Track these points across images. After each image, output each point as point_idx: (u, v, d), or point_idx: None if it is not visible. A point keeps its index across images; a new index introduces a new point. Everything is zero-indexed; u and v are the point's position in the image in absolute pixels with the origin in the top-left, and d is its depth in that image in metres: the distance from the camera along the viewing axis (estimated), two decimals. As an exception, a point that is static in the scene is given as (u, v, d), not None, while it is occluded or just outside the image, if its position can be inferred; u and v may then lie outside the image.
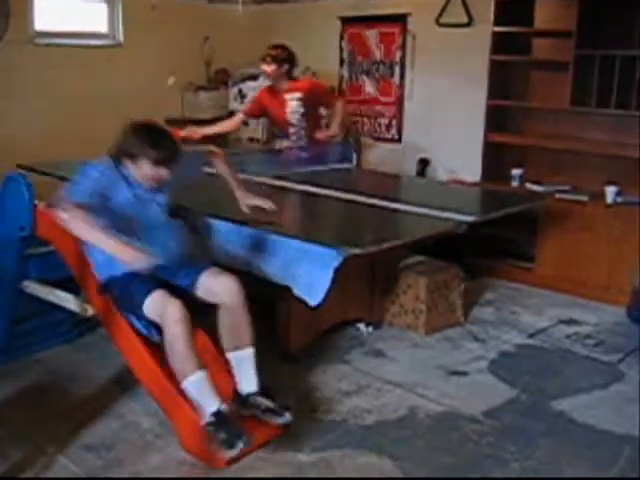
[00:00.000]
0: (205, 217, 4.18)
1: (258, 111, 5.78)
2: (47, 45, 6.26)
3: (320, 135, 5.56)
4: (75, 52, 6.52)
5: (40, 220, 3.70)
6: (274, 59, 5.48)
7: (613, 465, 3.15)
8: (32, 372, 3.88)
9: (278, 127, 5.83)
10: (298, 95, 5.47)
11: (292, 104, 5.50)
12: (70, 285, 3.77)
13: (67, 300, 3.76)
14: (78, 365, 4.01)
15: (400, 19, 6.63)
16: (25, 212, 3.69)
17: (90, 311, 3.54)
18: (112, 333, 3.39)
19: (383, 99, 6.91)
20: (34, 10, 6.24)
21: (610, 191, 5.12)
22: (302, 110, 5.49)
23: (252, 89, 7.23)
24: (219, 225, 3.97)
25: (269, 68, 5.49)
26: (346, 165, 5.50)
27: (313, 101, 5.53)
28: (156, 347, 3.29)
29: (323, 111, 5.92)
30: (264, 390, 3.23)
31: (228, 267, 4.03)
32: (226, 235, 4.00)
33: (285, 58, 5.50)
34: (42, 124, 6.02)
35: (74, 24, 6.67)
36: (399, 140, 6.84)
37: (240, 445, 2.89)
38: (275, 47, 5.56)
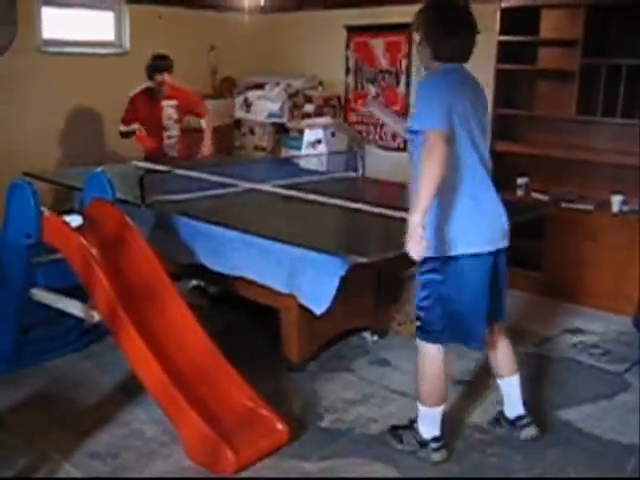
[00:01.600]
0: (174, 216, 4.24)
1: (134, 118, 5.94)
2: (54, 53, 6.29)
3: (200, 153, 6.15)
4: (82, 60, 6.54)
5: (46, 227, 3.71)
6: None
7: (619, 475, 3.14)
8: (38, 380, 3.89)
9: (150, 131, 5.94)
10: (174, 103, 6.01)
11: (168, 111, 6.00)
12: (78, 293, 3.78)
13: (73, 306, 3.77)
14: (84, 373, 4.01)
15: (406, 28, 6.63)
16: (31, 219, 3.71)
17: (96, 317, 3.55)
18: (119, 340, 3.39)
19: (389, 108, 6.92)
20: (41, 18, 6.27)
21: (616, 200, 5.11)
22: (176, 117, 6.05)
23: (258, 98, 7.26)
24: (226, 233, 3.98)
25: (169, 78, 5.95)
26: (351, 174, 5.51)
27: (186, 110, 6.15)
28: (163, 353, 3.30)
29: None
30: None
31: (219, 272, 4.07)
32: (232, 243, 4.01)
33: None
34: (48, 132, 6.04)
35: (81, 33, 6.70)
36: (405, 149, 6.83)
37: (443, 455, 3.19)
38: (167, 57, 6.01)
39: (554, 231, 5.32)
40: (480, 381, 4.03)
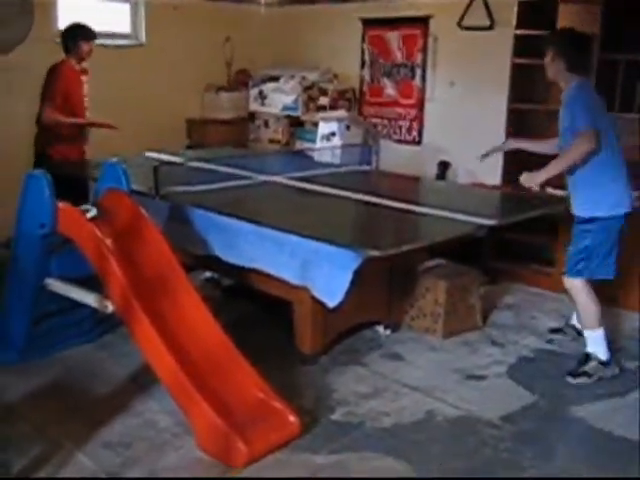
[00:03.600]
0: (188, 207, 4.25)
1: (65, 99, 5.19)
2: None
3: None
4: (97, 52, 6.53)
5: (61, 217, 3.73)
6: None
7: (631, 472, 3.13)
8: (52, 369, 3.91)
9: (71, 109, 5.23)
10: (86, 78, 5.41)
11: (85, 87, 5.39)
12: (92, 283, 3.80)
13: (87, 297, 3.79)
14: (97, 363, 4.03)
15: (422, 21, 6.61)
16: (46, 209, 3.72)
17: (110, 307, 3.56)
18: (132, 330, 3.40)
19: (404, 101, 6.89)
20: (57, 9, 6.28)
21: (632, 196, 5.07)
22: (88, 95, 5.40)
23: (273, 90, 7.25)
24: (240, 225, 3.98)
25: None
26: (366, 167, 5.50)
27: None
28: (176, 344, 3.31)
29: None
30: None
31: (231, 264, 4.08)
32: (246, 235, 4.01)
33: None
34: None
35: (97, 24, 6.70)
36: (419, 142, 6.82)
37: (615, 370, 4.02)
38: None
39: (569, 227, 5.27)
40: (492, 376, 4.02)
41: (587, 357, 4.00)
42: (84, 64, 5.36)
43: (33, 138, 5.22)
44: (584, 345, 4.07)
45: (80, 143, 5.40)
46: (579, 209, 4.04)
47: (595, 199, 3.95)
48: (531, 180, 3.99)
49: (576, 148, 3.80)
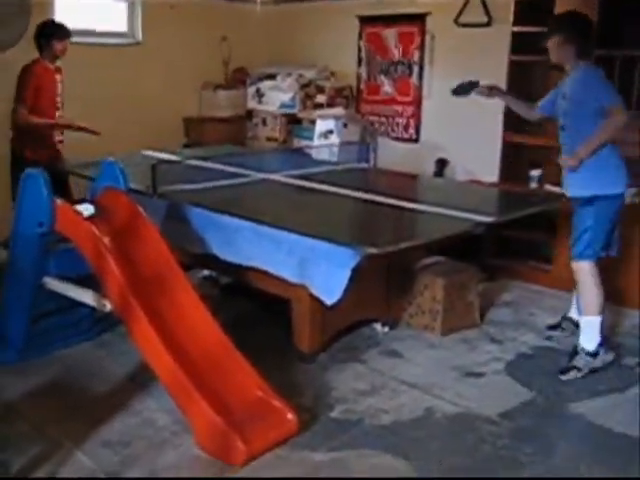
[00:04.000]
0: (186, 206, 4.25)
1: (37, 98, 5.11)
2: (67, 43, 6.29)
3: None
4: (94, 51, 6.54)
5: (59, 216, 3.72)
6: None
7: (630, 469, 3.13)
8: (50, 369, 3.91)
9: (42, 108, 5.15)
10: (60, 77, 5.34)
11: (59, 86, 5.32)
12: (90, 282, 3.80)
13: (85, 295, 3.79)
14: (96, 362, 4.03)
15: (419, 19, 6.60)
16: (44, 208, 3.72)
17: (108, 306, 3.57)
18: (130, 328, 3.40)
19: (401, 99, 6.89)
20: (55, 8, 6.27)
21: (629, 192, 5.07)
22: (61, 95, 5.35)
23: (270, 88, 7.25)
24: (238, 223, 3.98)
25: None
26: (363, 165, 5.50)
27: None
28: (174, 343, 3.31)
29: None
30: None
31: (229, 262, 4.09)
32: (243, 233, 4.01)
33: None
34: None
35: (94, 23, 6.70)
36: (417, 140, 6.82)
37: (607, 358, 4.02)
38: None
39: (567, 224, 5.28)
40: (491, 373, 4.03)
41: (575, 351, 4.02)
42: (58, 63, 5.32)
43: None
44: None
45: (53, 143, 5.33)
46: (580, 189, 4.03)
47: (598, 177, 3.97)
48: (573, 162, 3.97)
49: (613, 123, 3.82)
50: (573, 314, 4.42)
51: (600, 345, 3.99)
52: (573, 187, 4.09)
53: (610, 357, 4.04)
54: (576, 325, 4.29)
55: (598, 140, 3.90)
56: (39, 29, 5.24)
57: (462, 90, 4.53)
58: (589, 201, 3.99)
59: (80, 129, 5.28)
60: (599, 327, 3.99)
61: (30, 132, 5.12)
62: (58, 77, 5.31)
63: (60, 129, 5.35)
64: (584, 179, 4.00)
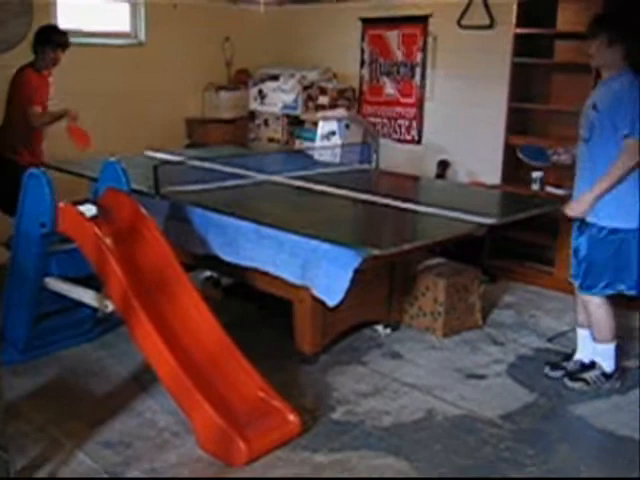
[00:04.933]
0: (188, 207, 4.25)
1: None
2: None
3: None
4: (97, 51, 6.55)
5: (61, 216, 3.73)
6: None
7: (632, 471, 3.13)
8: (52, 369, 3.91)
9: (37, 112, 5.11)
10: (51, 80, 5.29)
11: (51, 90, 5.29)
12: (92, 282, 3.81)
13: (87, 296, 3.80)
14: (98, 362, 4.03)
15: (421, 20, 6.61)
16: (46, 209, 3.72)
17: (110, 307, 3.57)
18: (132, 329, 3.40)
19: (403, 100, 6.89)
20: (57, 9, 6.28)
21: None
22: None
23: (272, 89, 7.25)
24: (240, 224, 3.98)
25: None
26: (366, 166, 5.50)
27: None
28: (175, 344, 3.31)
29: None
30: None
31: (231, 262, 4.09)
32: (246, 235, 4.01)
33: None
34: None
35: (97, 23, 6.71)
36: (419, 142, 6.82)
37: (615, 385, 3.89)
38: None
39: (568, 226, 5.27)
40: (492, 375, 4.03)
41: (592, 365, 3.91)
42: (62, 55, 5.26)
43: None
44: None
45: (39, 146, 5.30)
46: (605, 218, 3.69)
47: (624, 209, 3.65)
48: (581, 206, 3.71)
49: (623, 164, 3.55)
50: (580, 355, 4.04)
51: (616, 370, 3.89)
52: (597, 213, 3.73)
53: (617, 385, 3.89)
54: (584, 367, 3.98)
55: (608, 182, 3.60)
56: (37, 33, 5.21)
57: (532, 155, 4.37)
58: (612, 232, 3.70)
59: (75, 132, 5.24)
60: (614, 352, 3.87)
61: (21, 136, 5.11)
62: (50, 80, 5.30)
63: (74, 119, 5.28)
64: (612, 208, 3.66)
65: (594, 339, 3.89)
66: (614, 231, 3.69)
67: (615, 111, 3.58)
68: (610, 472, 3.12)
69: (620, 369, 3.93)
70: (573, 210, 3.77)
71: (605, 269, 3.74)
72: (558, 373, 4.00)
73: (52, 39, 5.14)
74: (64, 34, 5.23)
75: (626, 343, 4.49)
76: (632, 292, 3.77)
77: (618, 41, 3.59)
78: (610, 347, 3.86)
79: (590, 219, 3.75)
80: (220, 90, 7.44)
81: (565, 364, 4.07)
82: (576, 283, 3.89)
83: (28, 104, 5.02)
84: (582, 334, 4.01)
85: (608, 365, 3.87)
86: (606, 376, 3.86)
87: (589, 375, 3.87)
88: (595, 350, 3.91)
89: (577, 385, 3.86)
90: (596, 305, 3.81)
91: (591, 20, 3.76)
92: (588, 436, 3.44)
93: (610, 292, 3.78)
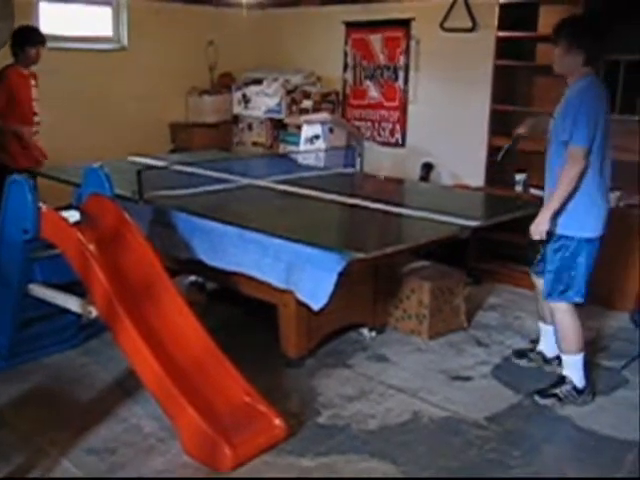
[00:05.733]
0: (172, 211, 4.24)
1: (6, 103, 5.19)
2: (51, 49, 6.25)
3: None
4: (80, 56, 6.53)
5: (44, 222, 3.71)
6: None
7: (616, 470, 3.15)
8: (36, 376, 3.88)
9: (18, 114, 5.24)
10: (35, 82, 5.40)
11: (34, 90, 5.38)
12: (75, 289, 3.79)
13: (71, 302, 3.78)
14: (82, 369, 4.01)
15: (404, 24, 6.64)
16: (29, 214, 3.70)
17: (94, 313, 3.55)
18: (116, 335, 3.39)
19: (387, 104, 6.91)
20: (39, 14, 6.26)
21: (614, 196, 5.11)
22: (37, 99, 5.42)
23: (256, 93, 7.26)
24: (224, 229, 3.98)
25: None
26: (350, 170, 5.50)
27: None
28: (160, 349, 3.30)
29: None
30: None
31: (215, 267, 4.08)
32: (230, 239, 4.01)
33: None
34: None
35: (79, 28, 6.69)
36: (403, 144, 6.84)
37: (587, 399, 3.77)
38: None
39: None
40: (478, 376, 4.04)
41: (562, 380, 3.77)
42: (32, 68, 5.37)
43: None
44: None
45: (29, 150, 5.34)
46: (560, 227, 3.67)
47: (576, 218, 3.61)
48: (539, 227, 3.61)
49: (567, 176, 3.48)
50: (542, 348, 4.15)
51: (587, 385, 3.77)
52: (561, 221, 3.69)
53: (589, 399, 3.76)
54: (545, 360, 4.11)
55: (559, 198, 3.54)
56: (13, 34, 5.30)
57: (508, 155, 4.35)
58: (558, 239, 3.70)
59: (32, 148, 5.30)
60: (582, 364, 3.76)
61: (10, 139, 5.16)
62: (33, 82, 5.35)
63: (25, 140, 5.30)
64: (563, 213, 3.63)
65: (561, 351, 3.82)
66: (567, 238, 3.65)
67: (563, 118, 3.56)
68: (595, 472, 3.13)
69: (590, 384, 3.81)
70: (534, 233, 3.66)
71: (562, 276, 3.70)
72: (524, 361, 4.17)
73: (31, 37, 5.28)
74: (40, 32, 5.43)
75: (611, 343, 4.53)
76: (579, 300, 3.72)
77: (576, 47, 3.54)
78: (577, 359, 3.75)
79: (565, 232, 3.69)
80: (204, 94, 7.45)
81: (531, 354, 4.17)
82: (544, 290, 3.84)
83: None
84: (545, 328, 4.08)
85: (578, 379, 3.74)
86: (578, 391, 3.73)
87: (560, 390, 3.73)
88: (563, 363, 3.82)
89: (549, 402, 3.71)
90: (562, 312, 3.74)
91: (554, 26, 3.72)
92: (573, 437, 3.45)
93: (566, 299, 3.72)
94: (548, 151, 3.76)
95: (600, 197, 3.63)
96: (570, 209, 3.60)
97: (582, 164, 3.47)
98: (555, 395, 3.73)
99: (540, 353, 4.15)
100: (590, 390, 3.79)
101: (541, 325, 4.14)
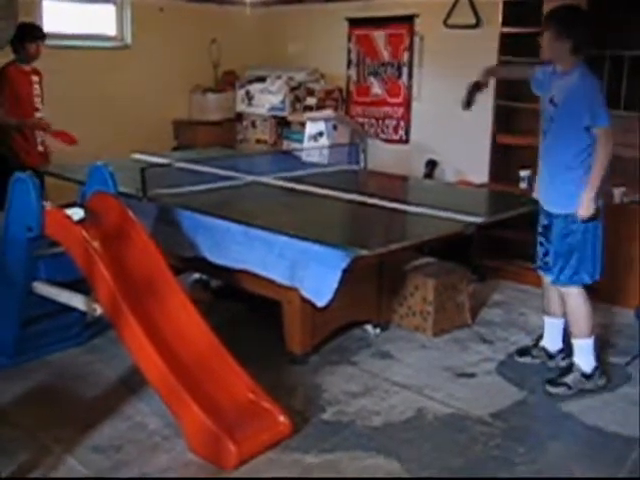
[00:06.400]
0: (176, 209, 4.24)
1: (7, 99, 5.23)
2: (55, 47, 6.26)
3: None
4: (83, 54, 6.54)
5: (48, 220, 3.71)
6: None
7: (621, 467, 3.14)
8: (41, 373, 3.89)
9: (20, 110, 5.27)
10: (38, 79, 5.43)
11: (36, 88, 5.40)
12: (80, 286, 3.79)
13: (76, 300, 3.78)
14: (86, 366, 4.01)
15: (408, 20, 6.63)
16: (33, 212, 3.71)
17: (99, 310, 3.55)
18: (120, 332, 3.39)
19: (391, 100, 6.90)
20: (42, 12, 6.26)
21: (617, 192, 5.10)
22: (41, 95, 5.45)
23: (260, 91, 7.25)
24: (228, 226, 3.98)
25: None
26: (354, 167, 5.50)
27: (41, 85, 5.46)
28: (164, 346, 3.30)
29: None
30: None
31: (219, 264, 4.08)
32: (234, 236, 4.01)
33: None
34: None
35: (83, 26, 6.69)
36: (407, 141, 6.83)
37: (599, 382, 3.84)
38: None
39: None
40: (482, 373, 4.03)
41: (570, 367, 3.87)
42: (34, 64, 5.39)
43: None
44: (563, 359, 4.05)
45: (34, 144, 5.37)
46: (564, 206, 3.76)
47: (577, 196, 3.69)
48: (589, 209, 3.64)
49: (604, 155, 3.60)
50: (546, 343, 4.16)
51: (596, 368, 3.85)
52: (555, 203, 3.83)
53: (603, 381, 3.85)
54: (549, 356, 4.13)
55: (600, 173, 3.62)
56: (17, 30, 5.31)
57: (468, 100, 4.30)
58: (565, 222, 3.76)
59: (56, 135, 5.32)
60: (593, 348, 3.85)
61: (14, 135, 5.19)
62: (35, 78, 5.38)
63: (37, 129, 5.36)
64: (571, 195, 3.71)
65: (572, 335, 3.89)
66: (572, 220, 3.73)
67: (573, 105, 3.65)
68: (600, 469, 3.13)
69: (600, 366, 3.89)
70: (585, 214, 3.67)
71: (570, 259, 3.77)
72: (527, 359, 4.18)
73: (30, 33, 5.32)
74: (40, 27, 5.50)
75: (616, 340, 4.52)
76: (589, 280, 3.80)
77: (565, 35, 3.63)
78: (588, 342, 3.84)
79: (553, 210, 3.85)
80: (207, 92, 7.44)
81: (534, 351, 4.19)
82: (551, 277, 3.92)
83: None
84: (549, 322, 4.12)
85: (587, 364, 3.82)
86: (586, 376, 3.81)
87: (569, 379, 3.81)
88: (574, 348, 3.89)
89: (560, 390, 3.79)
90: (574, 296, 3.82)
91: (545, 14, 3.85)
92: (578, 433, 3.45)
93: (577, 281, 3.80)
94: (545, 139, 3.85)
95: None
96: (573, 190, 3.69)
97: (611, 142, 3.60)
98: (565, 384, 3.81)
99: (543, 349, 4.15)
100: (601, 372, 3.86)
101: (545, 319, 4.15)
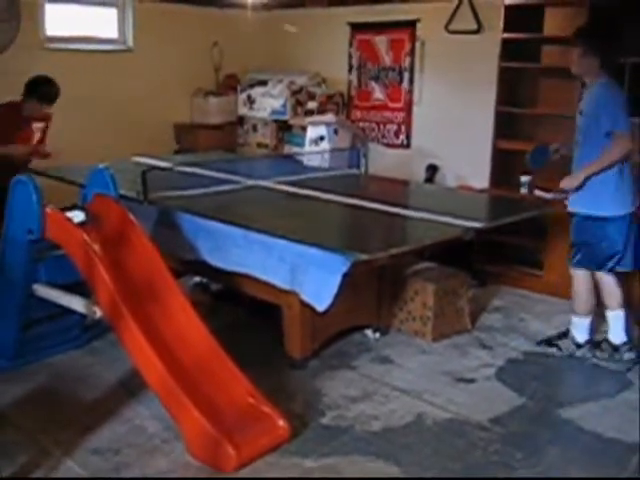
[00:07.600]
0: (176, 212, 4.25)
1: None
2: (58, 50, 6.29)
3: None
4: (85, 57, 6.54)
5: (49, 223, 3.71)
6: None
7: (620, 473, 3.14)
8: (40, 376, 3.89)
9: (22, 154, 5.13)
10: (41, 125, 5.29)
11: (36, 135, 5.27)
12: (80, 289, 3.79)
13: (76, 302, 3.78)
14: (86, 369, 4.01)
15: (409, 25, 6.63)
16: (33, 215, 3.71)
17: (99, 313, 3.56)
18: (120, 335, 3.39)
19: (392, 105, 6.91)
20: (45, 15, 6.27)
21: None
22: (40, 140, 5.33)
23: (261, 95, 7.26)
24: (228, 229, 3.98)
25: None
26: (354, 171, 5.51)
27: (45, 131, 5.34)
28: (164, 349, 3.31)
29: None
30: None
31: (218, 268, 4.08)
32: (234, 240, 4.01)
33: None
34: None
35: (85, 29, 6.71)
36: (408, 146, 6.84)
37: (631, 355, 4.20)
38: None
39: (557, 229, 5.30)
40: (482, 378, 4.03)
41: (565, 333, 4.36)
42: (48, 109, 5.18)
43: None
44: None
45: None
46: (575, 205, 4.17)
47: (593, 198, 4.06)
48: (574, 182, 4.07)
49: (617, 150, 3.90)
50: (612, 337, 4.28)
51: (588, 341, 4.29)
52: (571, 202, 4.21)
53: (632, 355, 4.19)
54: (614, 349, 4.25)
55: (598, 166, 3.96)
56: (31, 80, 5.09)
57: (538, 160, 4.59)
58: (584, 218, 4.14)
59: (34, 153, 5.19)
60: (588, 327, 4.29)
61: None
62: (37, 125, 5.22)
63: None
64: (581, 197, 4.11)
65: (572, 310, 4.32)
66: (588, 218, 4.11)
67: (598, 114, 3.94)
68: (599, 475, 3.13)
69: (592, 341, 4.30)
70: (566, 184, 4.12)
71: (581, 249, 4.18)
72: (553, 349, 4.39)
73: (37, 90, 5.06)
74: (52, 88, 5.10)
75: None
76: (595, 268, 4.19)
77: (592, 52, 3.95)
78: (583, 321, 4.27)
79: (571, 209, 4.22)
80: (208, 95, 7.45)
81: (602, 345, 4.35)
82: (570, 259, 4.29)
83: None
84: (611, 315, 4.27)
85: (580, 336, 4.28)
86: (577, 345, 4.28)
87: (562, 342, 4.33)
88: (572, 321, 4.33)
89: (549, 349, 4.34)
90: (577, 277, 4.24)
91: (574, 31, 4.12)
92: (577, 439, 3.44)
93: (585, 265, 4.20)
94: (576, 149, 4.16)
95: (626, 179, 4.05)
96: (591, 191, 4.05)
97: (626, 146, 3.90)
98: (556, 345, 4.35)
99: (608, 341, 4.29)
100: (591, 346, 4.28)
101: (606, 313, 4.32)
